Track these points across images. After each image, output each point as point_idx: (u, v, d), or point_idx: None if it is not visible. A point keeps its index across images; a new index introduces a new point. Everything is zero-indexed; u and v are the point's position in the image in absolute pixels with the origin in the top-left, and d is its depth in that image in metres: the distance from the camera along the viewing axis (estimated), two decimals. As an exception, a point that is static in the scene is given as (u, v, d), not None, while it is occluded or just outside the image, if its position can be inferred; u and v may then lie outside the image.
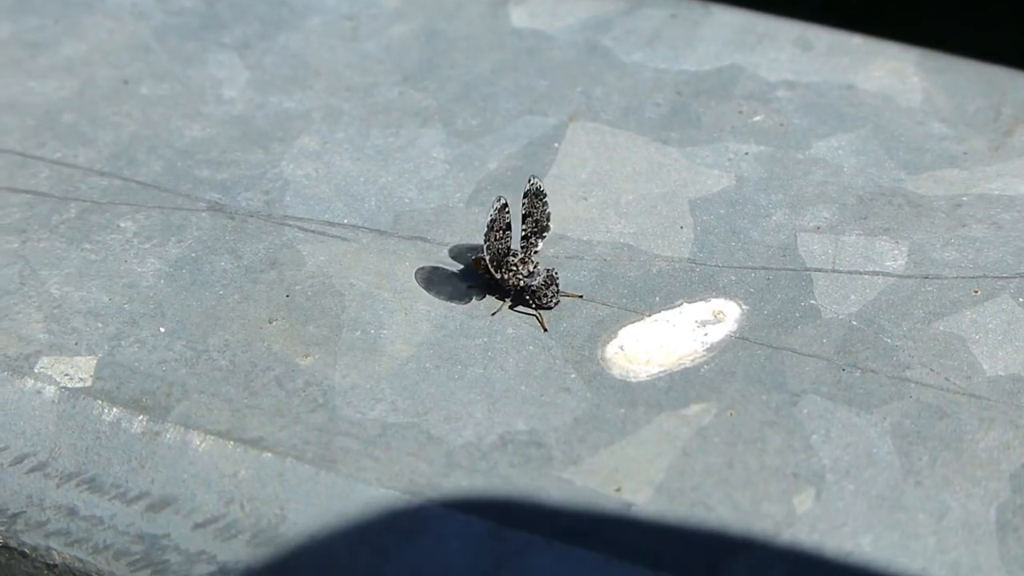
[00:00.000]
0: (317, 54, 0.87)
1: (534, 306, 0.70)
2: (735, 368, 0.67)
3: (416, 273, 0.72)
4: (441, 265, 0.72)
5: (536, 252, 0.72)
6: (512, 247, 0.71)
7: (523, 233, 0.72)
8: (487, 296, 0.71)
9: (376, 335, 0.68)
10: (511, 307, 0.70)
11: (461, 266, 0.72)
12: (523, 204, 0.72)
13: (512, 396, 0.65)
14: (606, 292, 0.71)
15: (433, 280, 0.71)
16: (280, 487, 0.62)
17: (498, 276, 0.70)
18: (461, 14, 0.91)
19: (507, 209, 0.71)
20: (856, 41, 0.90)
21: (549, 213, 0.73)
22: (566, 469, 0.62)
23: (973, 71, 0.88)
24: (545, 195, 0.72)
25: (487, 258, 0.70)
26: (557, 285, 0.70)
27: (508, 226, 0.71)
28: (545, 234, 0.73)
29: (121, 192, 0.76)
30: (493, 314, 0.70)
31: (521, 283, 0.69)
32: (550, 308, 0.70)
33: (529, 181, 0.72)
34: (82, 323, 0.69)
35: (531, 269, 0.70)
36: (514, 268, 0.70)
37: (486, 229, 0.70)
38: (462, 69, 0.86)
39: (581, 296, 0.71)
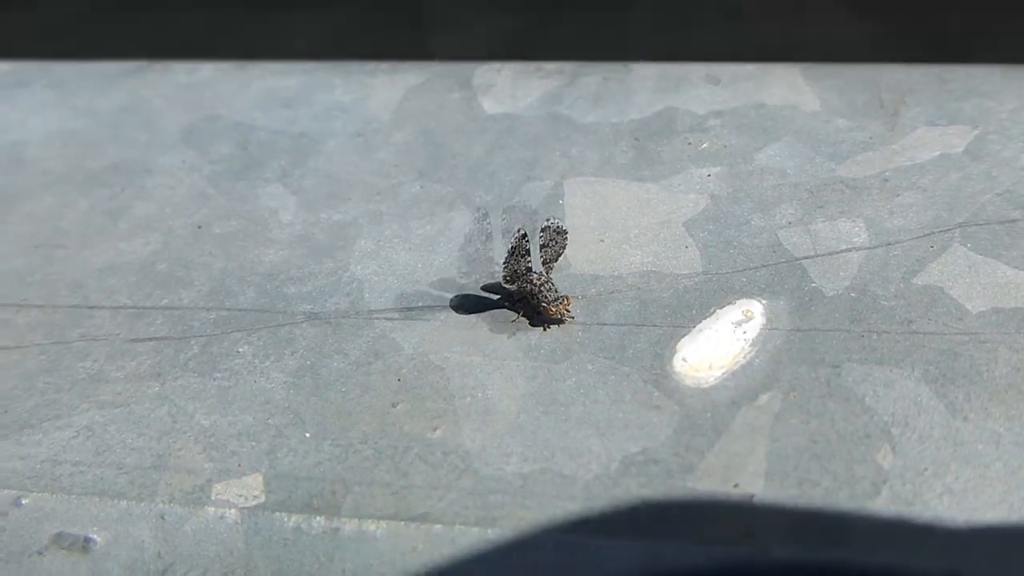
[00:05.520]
0: (343, 169, 0.74)
1: (541, 307, 0.59)
2: (780, 356, 0.56)
3: (494, 334, 0.60)
4: (510, 322, 0.60)
5: (551, 270, 0.62)
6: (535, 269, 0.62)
7: (541, 259, 0.62)
8: (546, 326, 0.59)
9: (484, 397, 0.56)
10: (531, 324, 0.59)
11: (526, 320, 0.60)
12: (540, 237, 0.62)
13: (615, 423, 0.54)
14: (651, 315, 0.59)
15: (510, 337, 0.59)
16: (455, 551, 0.50)
17: (514, 287, 0.60)
18: (444, 113, 0.79)
19: (526, 238, 0.61)
20: (750, 68, 0.79)
21: (566, 244, 0.62)
22: (686, 477, 0.51)
23: (848, 72, 0.78)
24: (563, 232, 0.62)
25: (504, 274, 0.60)
26: (566, 299, 0.59)
27: (527, 252, 0.61)
28: (558, 257, 0.62)
29: (229, 321, 0.63)
30: (512, 321, 0.60)
31: (537, 290, 0.59)
32: (561, 321, 0.59)
33: (547, 220, 0.62)
34: (237, 445, 0.55)
35: (549, 284, 0.59)
36: (535, 282, 0.60)
37: (507, 254, 0.60)
38: (462, 156, 0.74)
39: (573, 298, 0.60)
